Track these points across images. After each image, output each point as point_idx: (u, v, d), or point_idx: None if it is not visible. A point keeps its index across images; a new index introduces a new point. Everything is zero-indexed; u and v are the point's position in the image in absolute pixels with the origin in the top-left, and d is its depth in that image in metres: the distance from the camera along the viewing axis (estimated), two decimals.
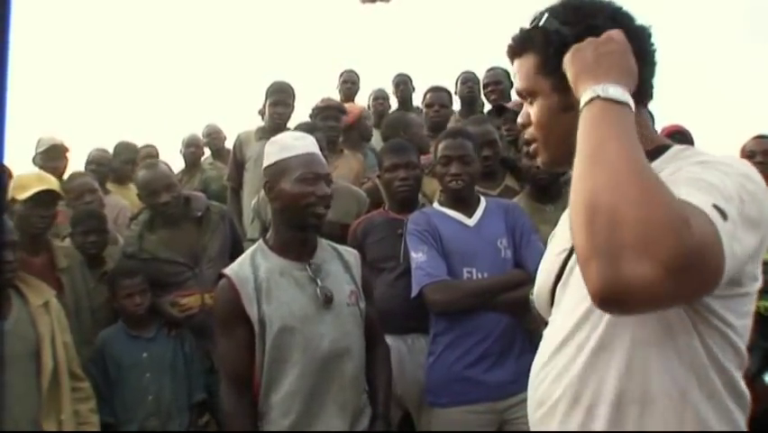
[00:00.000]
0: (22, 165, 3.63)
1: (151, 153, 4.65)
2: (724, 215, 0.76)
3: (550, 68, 0.98)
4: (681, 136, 3.34)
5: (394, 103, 4.97)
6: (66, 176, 3.70)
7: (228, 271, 1.85)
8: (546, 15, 0.98)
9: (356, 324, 1.89)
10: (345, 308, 1.86)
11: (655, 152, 0.96)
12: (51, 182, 2.67)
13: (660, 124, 3.47)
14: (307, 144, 1.89)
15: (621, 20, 0.96)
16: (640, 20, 1.00)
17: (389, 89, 4.96)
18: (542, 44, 0.99)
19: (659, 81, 1.02)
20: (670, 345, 0.86)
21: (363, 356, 1.92)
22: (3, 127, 0.66)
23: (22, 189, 2.51)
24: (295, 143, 1.88)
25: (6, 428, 2.07)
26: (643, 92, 0.96)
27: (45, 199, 2.55)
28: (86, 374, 2.46)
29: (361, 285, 1.96)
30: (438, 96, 3.88)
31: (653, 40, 0.99)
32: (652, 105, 1.06)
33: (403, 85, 4.88)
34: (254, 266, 1.84)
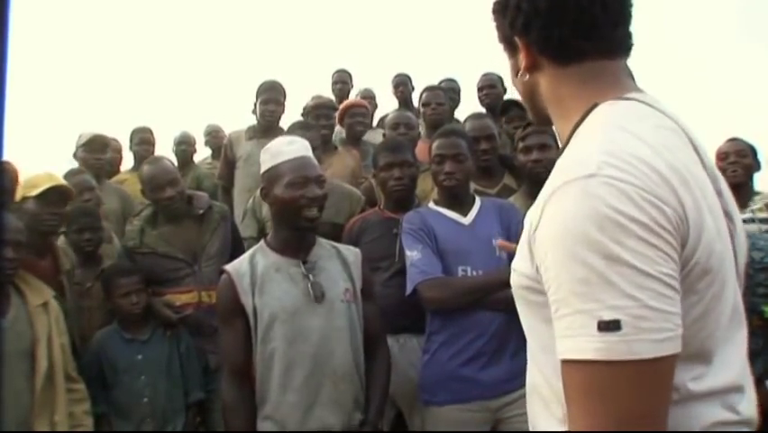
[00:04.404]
0: (27, 165, 3.62)
1: (116, 148, 4.63)
2: (614, 324, 0.70)
3: (497, 33, 1.02)
4: None
5: (385, 103, 4.99)
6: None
7: (228, 267, 1.98)
8: None
9: (349, 320, 1.93)
10: (339, 304, 1.92)
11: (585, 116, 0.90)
12: (61, 180, 2.69)
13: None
14: (298, 149, 1.97)
15: None
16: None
17: (384, 89, 4.97)
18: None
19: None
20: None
21: (359, 353, 1.96)
22: (2, 126, 0.66)
23: (34, 188, 2.53)
24: (285, 149, 1.96)
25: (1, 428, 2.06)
26: (561, 48, 0.92)
27: (55, 197, 2.56)
28: (81, 376, 2.45)
29: (361, 285, 2.01)
30: (434, 95, 3.90)
31: None
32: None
33: (403, 86, 4.90)
34: (252, 263, 1.95)
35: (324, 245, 2.06)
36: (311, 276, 1.92)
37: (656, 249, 0.71)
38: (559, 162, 0.81)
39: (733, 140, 3.18)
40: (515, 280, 0.91)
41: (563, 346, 0.74)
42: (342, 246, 2.11)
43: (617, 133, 0.80)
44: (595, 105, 0.88)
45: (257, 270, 1.93)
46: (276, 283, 1.91)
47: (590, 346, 0.71)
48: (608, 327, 0.69)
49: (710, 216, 0.78)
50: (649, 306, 0.70)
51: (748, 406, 0.83)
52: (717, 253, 0.78)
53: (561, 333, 0.75)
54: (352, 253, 2.08)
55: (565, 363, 0.74)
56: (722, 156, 3.13)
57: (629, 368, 0.70)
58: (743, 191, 3.02)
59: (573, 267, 0.72)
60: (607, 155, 0.75)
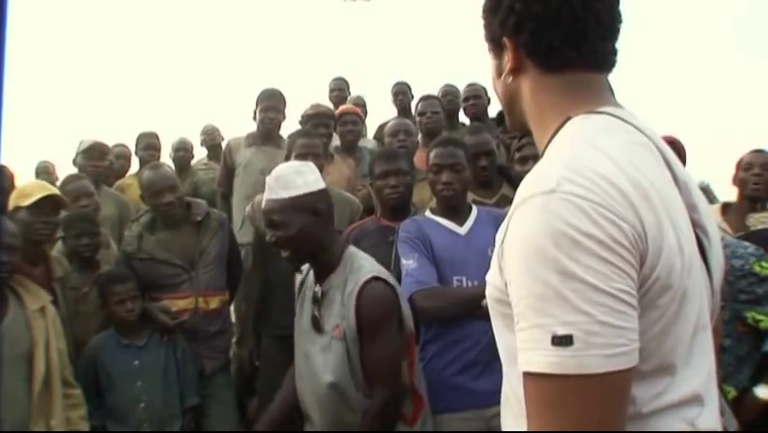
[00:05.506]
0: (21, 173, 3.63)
1: (124, 153, 4.67)
2: (567, 339, 0.71)
3: (485, 31, 1.00)
4: (671, 147, 3.38)
5: (383, 111, 5.01)
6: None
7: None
8: None
9: (338, 357, 1.87)
10: (330, 339, 1.91)
11: (558, 129, 0.90)
12: (54, 189, 2.69)
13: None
14: (265, 191, 1.95)
15: None
16: None
17: (383, 97, 4.98)
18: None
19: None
20: None
21: (346, 389, 1.87)
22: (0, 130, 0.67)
23: (26, 197, 2.53)
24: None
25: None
26: (549, 54, 0.90)
27: (48, 206, 2.56)
28: (77, 381, 2.45)
29: (356, 323, 1.84)
30: (429, 104, 3.94)
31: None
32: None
33: (402, 94, 4.93)
34: (307, 271, 2.07)
35: (344, 271, 1.92)
36: (315, 307, 1.95)
37: (611, 265, 0.72)
38: (527, 176, 0.82)
39: (758, 151, 3.15)
40: (489, 291, 0.90)
41: (522, 358, 0.75)
42: (354, 275, 1.89)
43: (583, 149, 0.81)
44: (568, 119, 0.88)
45: (306, 279, 2.06)
46: (304, 302, 2.04)
47: (544, 360, 0.72)
48: (561, 341, 0.71)
49: (673, 233, 0.78)
50: (601, 321, 0.71)
51: (708, 419, 0.83)
52: (677, 269, 0.78)
53: (520, 345, 0.76)
54: (352, 287, 1.87)
55: (524, 375, 0.76)
56: (746, 167, 3.10)
57: (580, 382, 0.71)
58: (760, 205, 3.01)
59: (531, 282, 0.73)
60: (568, 171, 0.76)
